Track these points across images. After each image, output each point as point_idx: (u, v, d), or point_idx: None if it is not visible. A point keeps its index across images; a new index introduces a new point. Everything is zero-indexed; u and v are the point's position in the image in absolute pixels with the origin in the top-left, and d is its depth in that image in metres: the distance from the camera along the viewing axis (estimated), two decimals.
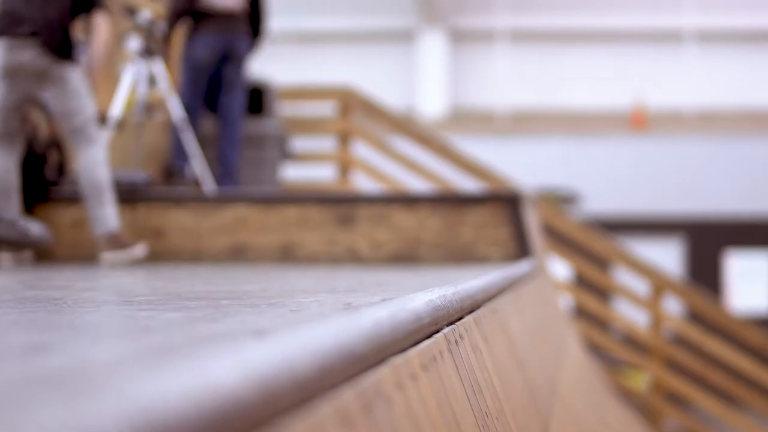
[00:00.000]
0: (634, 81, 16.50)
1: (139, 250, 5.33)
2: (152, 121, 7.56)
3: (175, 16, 7.29)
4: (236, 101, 7.39)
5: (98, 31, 5.39)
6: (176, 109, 7.05)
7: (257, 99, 7.72)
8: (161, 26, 7.06)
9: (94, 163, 5.29)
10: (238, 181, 7.32)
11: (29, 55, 5.20)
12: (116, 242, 5.26)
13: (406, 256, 5.72)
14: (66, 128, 5.33)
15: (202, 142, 7.35)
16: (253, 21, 7.49)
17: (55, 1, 5.27)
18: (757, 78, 16.48)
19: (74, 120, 5.28)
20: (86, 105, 5.34)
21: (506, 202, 5.78)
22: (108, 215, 5.28)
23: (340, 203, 5.82)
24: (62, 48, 5.25)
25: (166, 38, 7.29)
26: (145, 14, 6.98)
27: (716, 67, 16.54)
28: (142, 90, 6.97)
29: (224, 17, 7.27)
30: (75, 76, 5.29)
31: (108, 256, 5.26)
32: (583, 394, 4.81)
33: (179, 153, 7.25)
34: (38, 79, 5.25)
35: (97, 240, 5.35)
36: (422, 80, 16.73)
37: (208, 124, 7.47)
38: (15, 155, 5.36)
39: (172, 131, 7.29)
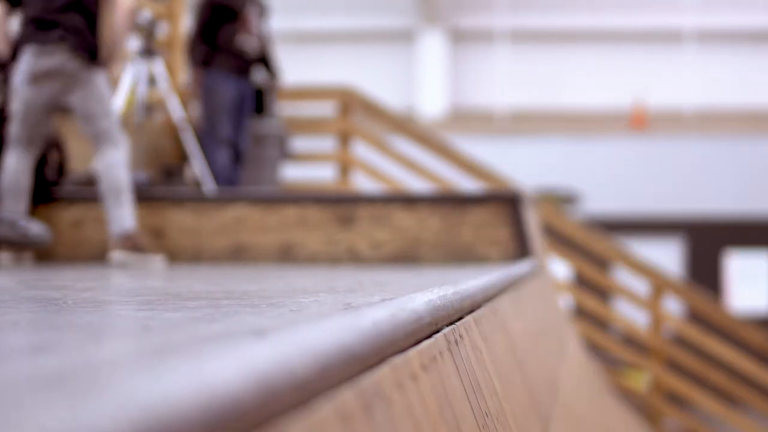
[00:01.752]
0: (634, 81, 16.49)
1: (158, 261, 5.26)
2: (152, 121, 7.56)
3: None
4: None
5: (120, 1, 5.34)
6: (176, 109, 7.04)
7: (257, 99, 7.72)
8: (161, 26, 7.07)
9: (115, 164, 5.29)
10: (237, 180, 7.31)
11: (58, 59, 5.20)
12: (130, 243, 5.23)
13: (406, 256, 5.72)
14: (90, 131, 5.31)
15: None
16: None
17: (81, 7, 5.26)
18: (757, 78, 16.47)
19: (100, 123, 5.28)
20: (111, 109, 5.35)
21: (506, 202, 5.78)
22: (124, 215, 5.27)
23: (340, 203, 5.82)
24: (91, 51, 5.25)
25: None
26: (145, 14, 6.98)
27: (716, 67, 16.53)
28: (142, 90, 6.97)
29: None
30: (101, 79, 5.30)
31: (118, 255, 5.25)
32: (583, 394, 4.81)
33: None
34: (66, 83, 5.24)
35: (110, 238, 5.34)
36: (422, 80, 16.72)
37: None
38: (31, 159, 5.36)
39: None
